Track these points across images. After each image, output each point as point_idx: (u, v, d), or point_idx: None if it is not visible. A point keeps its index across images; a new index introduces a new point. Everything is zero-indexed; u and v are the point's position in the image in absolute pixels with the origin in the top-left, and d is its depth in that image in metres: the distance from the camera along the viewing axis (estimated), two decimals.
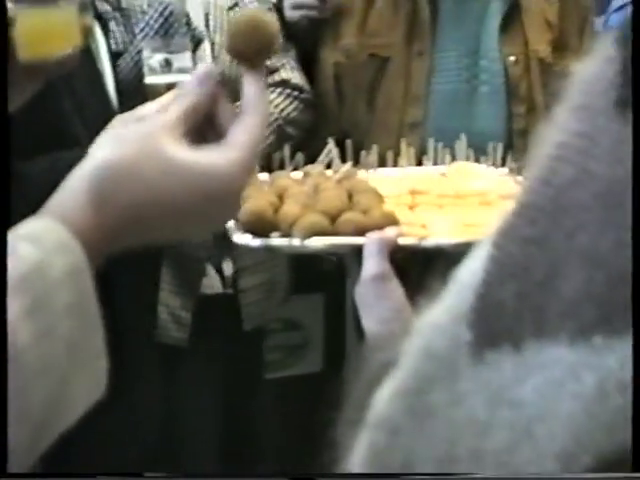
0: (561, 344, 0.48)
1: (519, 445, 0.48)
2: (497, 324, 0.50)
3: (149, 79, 1.73)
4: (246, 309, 2.07)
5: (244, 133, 0.73)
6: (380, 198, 1.33)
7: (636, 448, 0.58)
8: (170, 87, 1.31)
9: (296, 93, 2.15)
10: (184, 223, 0.72)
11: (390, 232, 1.11)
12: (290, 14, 2.09)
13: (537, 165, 0.48)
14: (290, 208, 1.26)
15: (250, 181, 0.75)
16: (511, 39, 2.02)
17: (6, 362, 0.61)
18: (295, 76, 2.16)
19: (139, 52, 1.83)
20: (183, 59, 1.78)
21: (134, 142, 0.71)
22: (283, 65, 2.15)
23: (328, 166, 1.50)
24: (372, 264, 1.00)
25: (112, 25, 1.87)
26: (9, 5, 0.87)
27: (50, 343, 0.63)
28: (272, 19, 0.76)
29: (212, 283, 2.03)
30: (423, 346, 0.50)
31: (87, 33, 0.89)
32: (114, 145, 0.71)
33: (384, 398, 0.51)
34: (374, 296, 0.96)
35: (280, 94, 2.14)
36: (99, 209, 0.68)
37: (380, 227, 1.15)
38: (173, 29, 1.91)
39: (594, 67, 0.49)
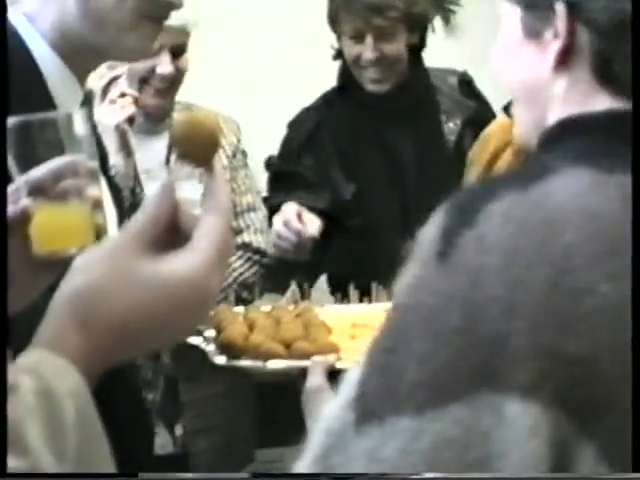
0: (407, 416, 0.75)
1: None
2: (368, 407, 0.78)
3: None
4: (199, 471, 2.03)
5: (206, 236, 0.74)
6: (328, 329, 1.69)
7: (636, 448, 0.78)
8: None
9: (257, 257, 2.26)
10: (162, 332, 0.74)
11: (330, 358, 1.47)
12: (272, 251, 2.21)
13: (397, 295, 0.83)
14: (256, 337, 1.61)
15: (220, 280, 0.75)
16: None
17: (5, 363, 0.65)
18: (258, 239, 2.25)
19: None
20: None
21: (100, 264, 0.73)
22: (248, 227, 2.23)
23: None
24: (312, 380, 1.34)
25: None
26: (27, 201, 0.87)
27: (67, 462, 0.65)
28: (209, 117, 0.79)
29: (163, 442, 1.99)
30: (324, 427, 0.83)
31: (100, 232, 0.89)
32: (84, 271, 0.73)
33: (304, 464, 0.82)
34: (314, 405, 1.30)
35: (240, 257, 2.23)
36: (85, 333, 0.71)
37: (323, 353, 1.50)
38: None
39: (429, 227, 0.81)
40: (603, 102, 0.88)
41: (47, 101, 1.11)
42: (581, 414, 0.76)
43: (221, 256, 0.74)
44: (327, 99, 2.47)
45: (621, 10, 0.84)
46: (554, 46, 0.87)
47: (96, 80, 1.89)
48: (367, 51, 2.30)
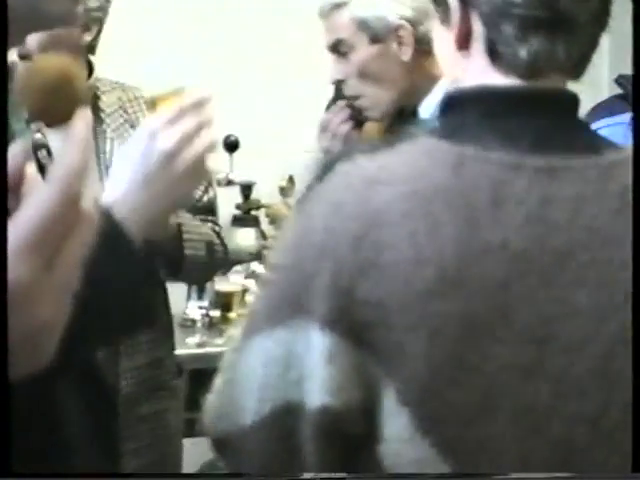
0: (257, 335, 0.94)
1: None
2: (245, 327, 0.98)
3: None
4: None
5: (23, 214, 0.58)
6: None
7: (636, 448, 0.88)
8: None
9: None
10: None
11: None
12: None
13: None
14: None
15: (31, 270, 0.57)
16: None
17: (6, 358, 0.57)
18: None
19: None
20: None
21: None
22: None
23: None
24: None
25: None
26: None
27: None
28: (56, 61, 0.65)
29: None
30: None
31: None
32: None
33: None
34: None
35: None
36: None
37: None
38: None
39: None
40: (495, 80, 0.97)
41: None
42: (379, 354, 0.87)
43: (40, 240, 0.57)
44: None
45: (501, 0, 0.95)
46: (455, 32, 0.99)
47: None
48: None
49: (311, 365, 0.88)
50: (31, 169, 0.62)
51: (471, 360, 0.89)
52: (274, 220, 3.04)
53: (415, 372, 0.87)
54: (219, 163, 3.21)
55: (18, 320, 0.56)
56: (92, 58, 2.05)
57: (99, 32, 2.07)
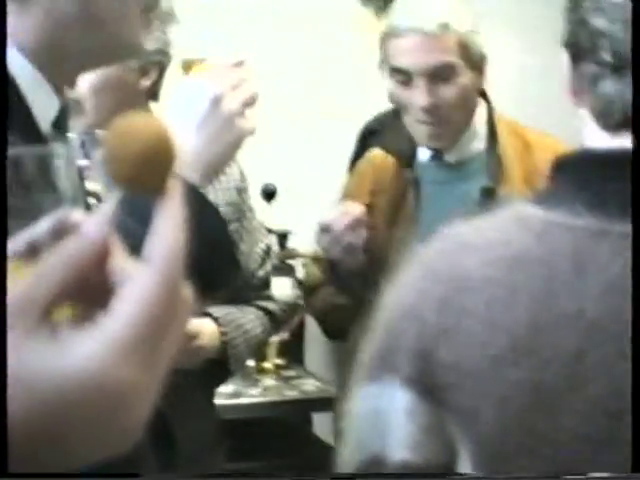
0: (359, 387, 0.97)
1: None
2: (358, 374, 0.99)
3: None
4: None
5: (123, 306, 0.52)
6: None
7: (636, 448, 0.87)
8: None
9: (269, 319, 2.04)
10: (67, 448, 0.52)
11: None
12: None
13: None
14: None
15: (144, 366, 0.51)
16: None
17: (6, 362, 0.50)
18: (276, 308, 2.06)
19: None
20: None
21: None
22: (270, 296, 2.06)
23: None
24: None
25: None
26: None
27: None
28: (151, 121, 0.55)
29: None
30: None
31: None
32: None
33: None
34: None
35: (263, 318, 2.02)
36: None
37: None
38: None
39: None
40: (594, 139, 0.97)
41: (24, 111, 1.06)
42: (455, 415, 0.88)
43: (145, 335, 0.51)
44: None
45: None
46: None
47: None
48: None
49: (394, 421, 0.90)
50: (113, 238, 0.55)
51: (542, 429, 0.89)
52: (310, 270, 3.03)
53: (487, 436, 0.88)
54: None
55: (114, 423, 0.51)
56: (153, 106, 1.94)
57: (160, 77, 1.94)
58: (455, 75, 1.91)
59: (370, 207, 1.96)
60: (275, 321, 2.06)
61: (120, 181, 0.54)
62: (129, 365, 0.50)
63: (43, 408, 0.49)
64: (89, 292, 0.53)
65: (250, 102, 1.13)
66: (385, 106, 2.29)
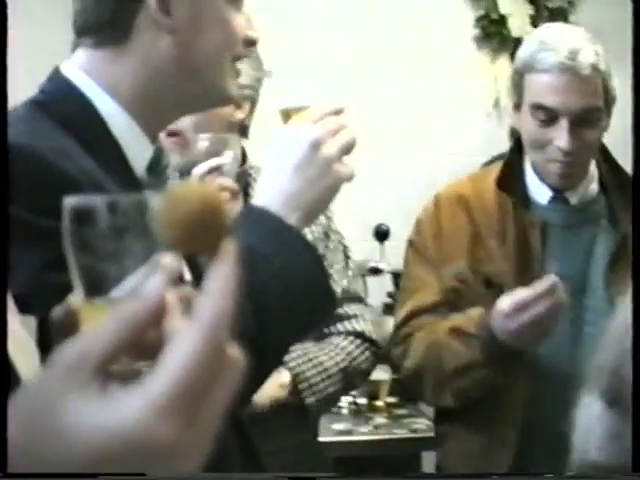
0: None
1: None
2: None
3: None
4: None
5: (168, 364, 0.54)
6: None
7: (636, 448, 0.92)
8: None
9: (367, 345, 2.04)
10: None
11: None
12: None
13: None
14: None
15: (183, 424, 0.53)
16: (619, 278, 1.86)
17: (6, 362, 0.56)
18: (369, 329, 2.05)
19: None
20: None
21: (23, 410, 0.55)
22: (357, 316, 2.04)
23: None
24: None
25: None
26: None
27: None
28: (203, 188, 0.60)
29: None
30: None
31: None
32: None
33: None
34: None
35: (352, 342, 2.02)
36: None
37: None
38: None
39: None
40: None
41: (119, 157, 1.10)
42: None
43: (187, 392, 0.53)
44: None
45: None
46: None
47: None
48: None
49: (588, 429, 0.96)
50: (171, 297, 0.58)
51: None
52: None
53: None
54: (370, 252, 3.25)
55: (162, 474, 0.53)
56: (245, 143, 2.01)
57: (251, 112, 2.01)
58: (599, 119, 1.89)
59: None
60: (366, 340, 2.05)
61: (171, 244, 0.58)
62: (172, 422, 0.52)
63: (88, 462, 0.52)
64: (144, 348, 0.56)
65: (348, 148, 1.15)
66: (494, 149, 2.30)
